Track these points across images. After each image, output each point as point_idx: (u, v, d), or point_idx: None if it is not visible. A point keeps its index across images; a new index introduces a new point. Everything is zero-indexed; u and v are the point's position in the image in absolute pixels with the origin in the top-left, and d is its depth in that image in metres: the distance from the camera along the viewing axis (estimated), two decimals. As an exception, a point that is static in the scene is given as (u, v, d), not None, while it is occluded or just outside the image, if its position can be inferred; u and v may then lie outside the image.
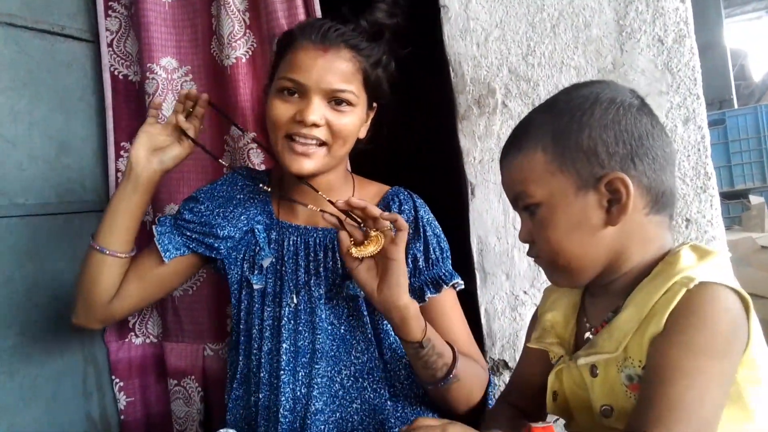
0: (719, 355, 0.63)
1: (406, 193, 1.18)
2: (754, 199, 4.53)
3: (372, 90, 1.14)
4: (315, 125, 1.06)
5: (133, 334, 1.56)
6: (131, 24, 1.55)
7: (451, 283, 1.11)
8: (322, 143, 1.09)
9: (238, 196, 1.24)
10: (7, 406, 1.33)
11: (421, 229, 1.13)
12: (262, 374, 1.12)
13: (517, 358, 1.24)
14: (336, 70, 1.07)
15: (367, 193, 1.19)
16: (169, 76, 1.50)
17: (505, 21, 1.25)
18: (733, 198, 4.86)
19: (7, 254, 1.36)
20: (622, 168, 0.69)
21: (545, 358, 0.84)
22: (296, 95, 1.08)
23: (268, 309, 1.15)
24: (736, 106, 6.18)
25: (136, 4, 1.50)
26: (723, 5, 6.83)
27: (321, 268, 1.15)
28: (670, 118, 1.17)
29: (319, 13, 1.39)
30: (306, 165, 1.08)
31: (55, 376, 1.44)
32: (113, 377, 1.53)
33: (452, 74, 1.28)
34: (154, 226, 1.23)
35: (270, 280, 1.17)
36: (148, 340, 1.57)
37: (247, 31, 1.46)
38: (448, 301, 1.12)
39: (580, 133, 0.70)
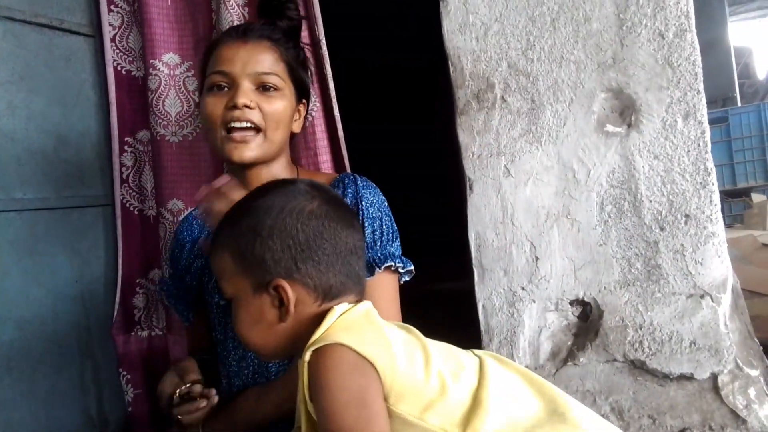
0: (357, 405, 0.68)
1: (351, 177, 1.19)
2: (756, 197, 4.51)
3: (297, 83, 1.18)
4: (246, 107, 1.09)
5: (139, 327, 1.57)
6: (135, 20, 1.56)
7: (384, 266, 1.09)
8: (257, 129, 1.11)
9: (195, 227, 1.26)
10: (5, 401, 1.33)
11: (361, 212, 1.12)
12: (233, 377, 1.17)
13: (515, 354, 1.24)
14: (258, 57, 1.12)
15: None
16: (171, 72, 1.51)
17: (505, 15, 1.24)
18: (735, 196, 4.85)
19: (5, 248, 1.36)
20: (286, 273, 0.77)
21: None
22: (226, 89, 1.12)
23: (230, 321, 1.15)
24: (739, 104, 6.15)
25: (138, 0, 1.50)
26: (727, 3, 6.81)
27: None
28: (670, 113, 1.16)
29: (317, 7, 1.39)
30: (246, 153, 1.10)
31: (52, 371, 1.44)
32: (120, 370, 1.55)
33: (451, 68, 1.27)
34: (162, 294, 1.29)
35: None
36: (153, 333, 1.58)
37: (247, 25, 1.46)
38: (380, 285, 1.08)
39: (253, 242, 0.78)
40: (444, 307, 1.82)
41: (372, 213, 1.13)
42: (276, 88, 1.13)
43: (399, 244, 1.15)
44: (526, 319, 1.23)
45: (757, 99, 6.86)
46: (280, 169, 1.18)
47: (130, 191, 1.57)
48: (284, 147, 1.19)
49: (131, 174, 1.57)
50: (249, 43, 1.13)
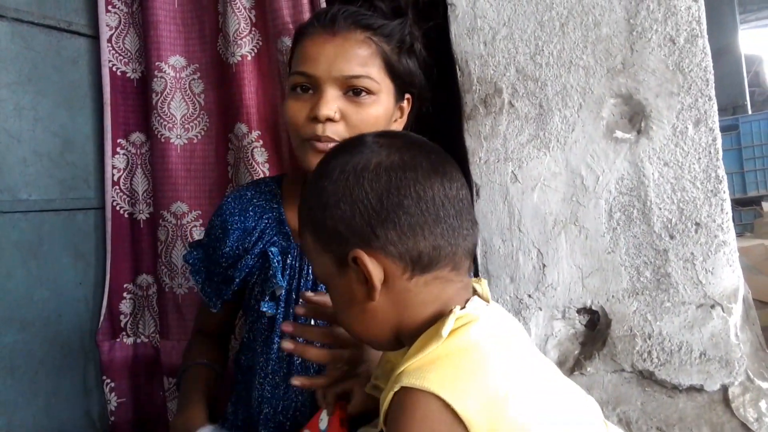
0: None
1: None
2: (767, 206, 4.47)
3: (399, 77, 1.02)
4: (330, 120, 0.95)
5: (124, 333, 1.54)
6: (133, 22, 1.55)
7: None
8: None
9: (250, 215, 1.12)
10: (7, 403, 1.33)
11: None
12: (264, 403, 1.08)
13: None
14: (348, 54, 0.96)
15: None
16: (177, 75, 1.50)
17: (513, 19, 1.23)
18: (745, 205, 4.80)
19: (10, 250, 1.36)
20: (363, 243, 0.66)
21: None
22: (310, 91, 0.98)
23: (278, 340, 1.05)
24: (749, 112, 6.11)
25: (142, 2, 1.50)
26: (738, 11, 6.77)
27: None
28: (681, 119, 1.15)
29: (323, 3, 1.38)
30: None
31: (55, 373, 1.43)
32: (104, 377, 1.50)
33: (459, 73, 1.26)
34: (189, 273, 1.22)
35: (282, 308, 1.07)
36: (139, 340, 1.55)
37: (253, 28, 1.45)
38: None
39: (323, 214, 0.68)
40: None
41: None
42: (369, 92, 0.98)
43: None
44: (532, 327, 1.21)
45: (768, 107, 6.81)
46: None
47: (121, 194, 1.55)
48: None
49: (122, 176, 1.54)
50: (337, 37, 0.97)
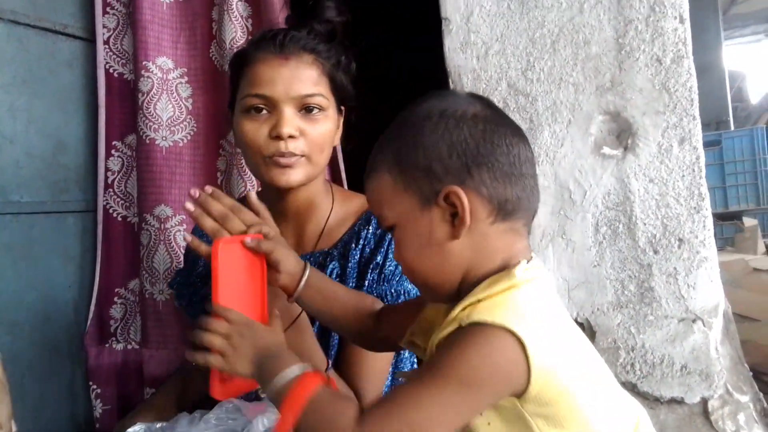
0: (459, 383, 0.62)
1: None
2: (748, 221, 4.55)
3: (339, 93, 1.10)
4: (291, 137, 1.02)
5: (114, 339, 1.51)
6: (129, 22, 1.54)
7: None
8: (302, 155, 1.04)
9: None
10: (-7, 405, 1.32)
11: (386, 242, 1.07)
12: None
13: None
14: (302, 76, 1.04)
15: (349, 207, 1.15)
16: (165, 76, 1.49)
17: (506, 35, 1.26)
18: (726, 219, 4.88)
19: (0, 251, 1.36)
20: (458, 180, 0.69)
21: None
22: (264, 111, 1.04)
23: None
24: (732, 128, 6.22)
25: (134, 2, 1.49)
26: (723, 27, 6.90)
27: None
28: (666, 137, 1.18)
29: None
30: (293, 176, 1.03)
31: (42, 377, 1.43)
32: (90, 383, 1.48)
33: (452, 86, 1.29)
34: (174, 298, 1.22)
35: None
36: (129, 346, 1.52)
37: (249, 38, 1.46)
38: None
39: (416, 151, 0.71)
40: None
41: None
42: (320, 109, 1.05)
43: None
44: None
45: (750, 123, 6.93)
46: (317, 186, 1.12)
47: (115, 197, 1.53)
48: (325, 165, 1.14)
49: (117, 179, 1.53)
50: (290, 60, 1.03)
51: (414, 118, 0.73)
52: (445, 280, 0.72)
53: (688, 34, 1.18)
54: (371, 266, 1.07)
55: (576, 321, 1.22)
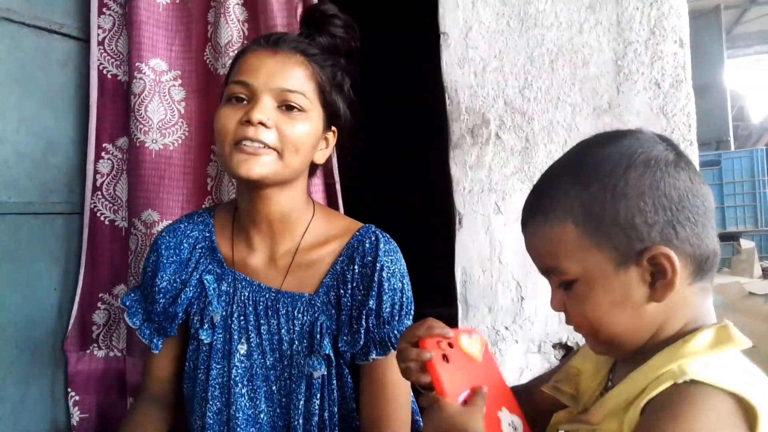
0: None
1: (373, 236, 1.07)
2: (745, 243, 4.54)
3: (328, 106, 1.06)
4: (262, 124, 0.97)
5: (95, 345, 1.47)
6: (124, 23, 1.51)
7: None
8: (272, 149, 0.99)
9: (185, 246, 1.13)
10: (-29, 408, 1.30)
11: (376, 283, 1.03)
12: (206, 430, 1.06)
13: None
14: (286, 70, 1.00)
15: (332, 229, 1.09)
16: (157, 78, 1.47)
17: (504, 52, 1.25)
18: (724, 240, 4.88)
19: (-15, 252, 1.34)
20: (663, 239, 0.63)
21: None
22: (245, 101, 1.00)
23: (217, 366, 1.07)
24: (732, 148, 6.22)
25: (129, 2, 1.47)
26: (725, 46, 6.91)
27: (273, 336, 1.06)
28: (663, 162, 1.17)
29: None
30: (255, 168, 0.97)
31: (23, 380, 1.40)
32: (69, 390, 1.44)
33: (448, 101, 1.27)
34: (126, 316, 1.16)
35: (219, 335, 1.08)
36: (111, 354, 1.48)
37: (245, 41, 1.45)
38: (392, 367, 0.90)
39: (615, 205, 0.64)
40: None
41: (393, 284, 1.04)
42: (301, 109, 1.01)
43: (413, 315, 1.07)
44: (507, 360, 1.21)
45: (751, 142, 6.94)
46: (294, 200, 1.07)
47: (103, 200, 1.49)
48: (302, 175, 1.07)
49: (106, 182, 1.49)
50: (279, 54, 1.01)
51: (611, 165, 0.65)
52: (630, 340, 0.67)
53: (688, 58, 1.17)
54: (364, 311, 1.03)
55: (566, 344, 1.21)
